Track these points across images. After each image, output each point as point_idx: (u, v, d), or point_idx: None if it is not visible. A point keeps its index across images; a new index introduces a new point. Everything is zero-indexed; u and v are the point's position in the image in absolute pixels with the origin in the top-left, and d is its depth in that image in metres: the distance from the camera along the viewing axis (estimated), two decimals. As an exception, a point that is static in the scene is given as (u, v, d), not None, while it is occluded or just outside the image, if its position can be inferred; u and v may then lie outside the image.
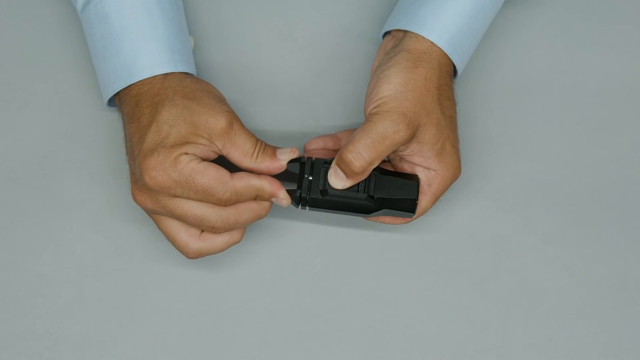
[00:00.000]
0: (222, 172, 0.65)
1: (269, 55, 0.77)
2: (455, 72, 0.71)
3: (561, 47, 0.78)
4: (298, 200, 0.68)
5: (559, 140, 0.76)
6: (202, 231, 0.68)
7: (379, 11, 0.78)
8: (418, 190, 0.68)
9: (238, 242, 0.69)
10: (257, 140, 0.67)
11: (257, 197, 0.67)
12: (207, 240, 0.68)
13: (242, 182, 0.65)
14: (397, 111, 0.65)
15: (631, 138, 0.77)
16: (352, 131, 0.73)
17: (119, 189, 0.74)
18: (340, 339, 0.72)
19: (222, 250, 0.68)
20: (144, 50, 0.67)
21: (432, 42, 0.68)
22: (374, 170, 0.67)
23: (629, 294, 0.74)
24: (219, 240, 0.68)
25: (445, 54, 0.68)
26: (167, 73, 0.67)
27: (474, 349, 0.72)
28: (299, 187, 0.67)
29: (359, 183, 0.67)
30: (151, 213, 0.68)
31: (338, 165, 0.66)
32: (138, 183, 0.66)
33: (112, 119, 0.75)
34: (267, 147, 0.67)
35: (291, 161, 0.67)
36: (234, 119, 0.66)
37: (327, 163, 0.67)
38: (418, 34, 0.68)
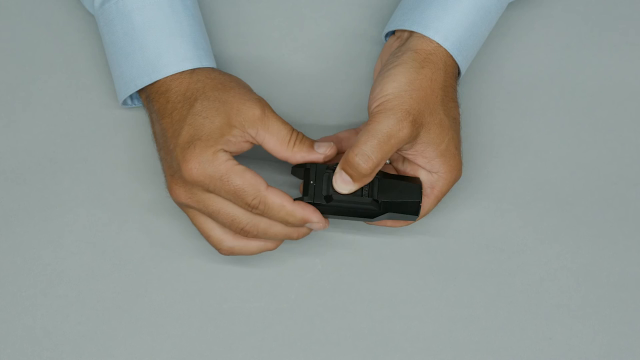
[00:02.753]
0: (259, 180, 0.64)
1: (270, 55, 0.77)
2: (459, 73, 0.71)
3: (561, 47, 0.78)
4: None
5: (559, 140, 0.76)
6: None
7: (381, 11, 0.78)
8: (421, 193, 0.67)
9: (272, 249, 0.69)
10: (293, 128, 0.66)
11: (286, 222, 0.66)
12: (241, 240, 0.68)
13: (274, 197, 0.65)
14: (400, 109, 0.65)
15: (631, 138, 0.77)
16: (353, 131, 0.72)
17: (120, 188, 0.74)
18: (340, 339, 0.72)
19: (254, 253, 0.69)
20: (169, 46, 0.67)
21: (438, 44, 0.68)
22: (376, 174, 0.67)
23: (629, 294, 0.74)
24: (253, 243, 0.68)
25: (451, 55, 0.68)
26: (194, 69, 0.67)
27: (474, 349, 0.72)
28: (305, 193, 0.66)
29: (362, 187, 0.66)
30: (185, 207, 0.68)
31: (344, 169, 0.65)
32: (175, 175, 0.66)
33: (113, 119, 0.75)
34: (305, 137, 0.66)
35: (296, 167, 0.67)
36: (266, 106, 0.66)
37: (330, 168, 0.66)
38: (424, 35, 0.68)
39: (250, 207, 0.65)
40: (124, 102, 0.72)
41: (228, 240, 0.68)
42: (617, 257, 0.74)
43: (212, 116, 0.65)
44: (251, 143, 0.66)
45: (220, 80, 0.67)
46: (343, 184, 0.65)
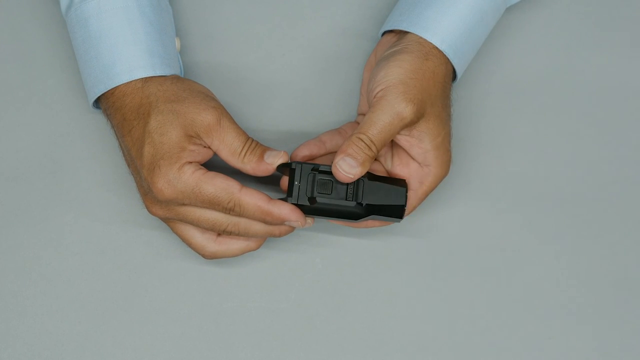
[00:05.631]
0: (230, 183, 0.64)
1: (269, 55, 0.77)
2: (454, 76, 0.71)
3: (561, 47, 0.78)
4: None
5: (558, 140, 0.76)
6: (219, 235, 0.68)
7: (379, 11, 0.78)
8: (406, 197, 0.67)
9: (254, 249, 0.69)
10: (248, 138, 0.66)
11: (265, 221, 0.66)
12: (223, 244, 0.68)
13: (248, 199, 0.65)
14: (405, 96, 0.65)
15: (631, 138, 0.77)
16: (335, 131, 0.72)
17: (119, 188, 0.74)
18: (340, 339, 0.72)
19: (237, 254, 0.69)
20: (122, 54, 0.67)
21: (434, 45, 0.68)
22: (362, 175, 0.66)
23: (629, 294, 0.74)
24: (235, 245, 0.68)
25: (447, 57, 0.68)
26: (146, 79, 0.67)
27: (474, 349, 0.72)
28: (290, 194, 0.66)
29: (347, 189, 0.66)
30: (166, 220, 0.68)
31: (348, 154, 0.64)
32: (148, 195, 0.66)
33: (112, 119, 0.75)
34: (257, 147, 0.66)
35: (281, 165, 0.66)
36: (222, 114, 0.65)
37: (315, 169, 0.66)
38: (421, 37, 0.68)
39: (227, 210, 0.65)
40: (97, 107, 0.72)
41: (210, 245, 0.68)
42: (617, 257, 0.74)
43: (168, 131, 0.64)
44: (213, 150, 0.66)
45: (172, 91, 0.66)
46: (348, 168, 0.64)
